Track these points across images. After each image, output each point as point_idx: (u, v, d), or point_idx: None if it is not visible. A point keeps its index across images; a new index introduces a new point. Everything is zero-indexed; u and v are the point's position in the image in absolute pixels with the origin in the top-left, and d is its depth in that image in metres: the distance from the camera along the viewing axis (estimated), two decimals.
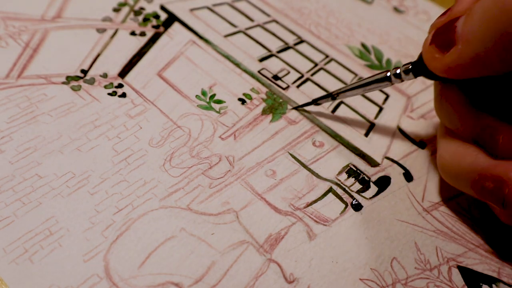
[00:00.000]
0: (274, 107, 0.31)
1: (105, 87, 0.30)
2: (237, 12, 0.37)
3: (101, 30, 0.33)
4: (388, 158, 0.29)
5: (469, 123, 0.24)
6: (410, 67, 0.25)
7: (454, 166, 0.24)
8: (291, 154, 0.28)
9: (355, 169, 0.28)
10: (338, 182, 0.27)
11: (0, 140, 0.26)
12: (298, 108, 0.31)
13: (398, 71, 0.26)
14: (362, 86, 0.28)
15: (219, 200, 0.25)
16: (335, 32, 0.38)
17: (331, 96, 0.29)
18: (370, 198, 0.27)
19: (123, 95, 0.30)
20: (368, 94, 0.33)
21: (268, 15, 0.38)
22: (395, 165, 0.29)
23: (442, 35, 0.23)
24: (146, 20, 0.35)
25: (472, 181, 0.23)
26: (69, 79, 0.30)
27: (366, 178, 0.28)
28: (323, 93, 0.32)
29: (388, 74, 0.26)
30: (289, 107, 0.31)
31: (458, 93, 0.24)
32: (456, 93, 0.24)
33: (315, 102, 0.30)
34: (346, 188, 0.27)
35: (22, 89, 0.29)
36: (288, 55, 0.35)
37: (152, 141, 0.27)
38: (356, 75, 0.34)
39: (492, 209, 0.25)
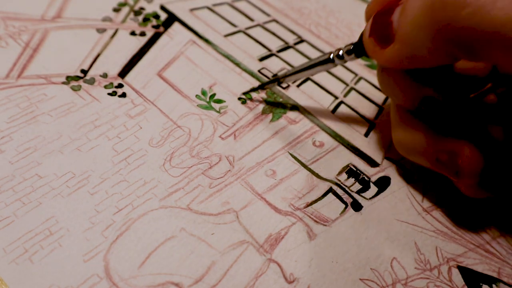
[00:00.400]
0: (274, 106, 0.31)
1: (105, 87, 0.30)
2: (237, 12, 0.37)
3: (101, 30, 0.33)
4: (388, 158, 0.29)
5: (410, 96, 0.24)
6: (352, 47, 0.26)
7: (409, 142, 0.25)
8: (291, 154, 0.28)
9: (355, 169, 0.28)
10: (338, 182, 0.27)
11: (0, 140, 0.26)
12: (246, 93, 0.31)
13: (340, 52, 0.26)
14: (306, 68, 0.28)
15: (219, 200, 0.25)
16: (335, 32, 0.38)
17: (277, 80, 0.30)
18: (370, 198, 0.27)
19: (123, 95, 0.30)
20: (368, 94, 0.33)
21: (268, 14, 0.38)
22: (395, 165, 0.29)
23: (380, 29, 0.23)
24: (146, 20, 0.35)
25: (427, 155, 0.24)
26: (69, 79, 0.30)
27: (366, 178, 0.28)
28: (323, 92, 0.32)
29: (331, 56, 0.27)
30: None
31: (398, 70, 0.25)
32: (396, 70, 0.25)
33: (262, 87, 0.31)
34: (346, 188, 0.27)
35: (22, 89, 0.29)
36: (288, 55, 0.35)
37: (152, 141, 0.27)
38: (356, 74, 0.34)
39: (454, 183, 0.26)
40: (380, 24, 0.23)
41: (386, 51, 0.23)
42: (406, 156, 0.27)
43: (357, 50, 0.25)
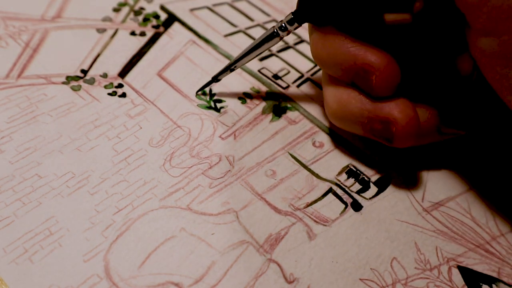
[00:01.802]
0: (274, 106, 0.31)
1: (105, 87, 0.30)
2: (237, 12, 0.37)
3: (101, 30, 0.33)
4: (388, 158, 0.29)
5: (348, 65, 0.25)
6: (292, 16, 0.26)
7: (342, 112, 0.26)
8: (291, 154, 0.28)
9: (355, 169, 0.28)
10: (338, 183, 0.27)
11: (0, 140, 0.26)
12: (200, 90, 0.30)
13: (282, 24, 0.26)
14: (254, 49, 0.28)
15: (219, 200, 0.25)
16: None
17: (229, 69, 0.29)
18: (370, 198, 0.27)
19: (123, 95, 0.30)
20: None
21: (268, 14, 0.38)
22: (395, 165, 0.29)
23: None
24: (146, 20, 0.35)
25: (361, 124, 0.25)
26: (69, 79, 0.30)
27: (366, 178, 0.28)
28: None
29: (275, 30, 0.27)
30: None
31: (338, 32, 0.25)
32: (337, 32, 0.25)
33: (216, 78, 0.30)
34: (346, 189, 0.27)
35: (22, 89, 0.29)
36: (288, 55, 0.35)
37: (152, 141, 0.27)
38: None
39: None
40: None
41: None
42: (339, 125, 0.27)
43: (298, 17, 0.26)
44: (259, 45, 0.28)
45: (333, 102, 0.26)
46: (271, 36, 0.27)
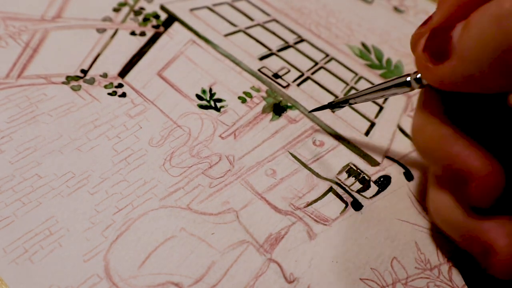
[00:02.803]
0: (275, 105, 0.31)
1: (105, 87, 0.30)
2: (237, 12, 0.37)
3: (101, 30, 0.33)
4: (388, 157, 0.29)
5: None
6: None
7: (443, 218, 0.23)
8: (291, 154, 0.28)
9: (355, 168, 0.28)
10: (338, 182, 0.27)
11: (0, 140, 0.26)
12: (313, 111, 0.30)
13: (418, 75, 0.23)
14: (379, 90, 0.25)
15: (219, 200, 0.25)
16: (335, 32, 0.37)
17: (348, 102, 0.27)
18: (370, 197, 0.27)
19: (123, 95, 0.30)
20: None
21: (268, 14, 0.38)
22: (396, 164, 0.29)
23: (436, 44, 0.21)
24: (146, 20, 0.35)
25: (461, 236, 0.22)
26: (69, 79, 0.30)
27: (366, 177, 0.28)
28: (323, 91, 0.32)
29: (408, 78, 0.23)
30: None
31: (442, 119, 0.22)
32: (441, 119, 0.22)
33: (331, 106, 0.28)
34: (346, 188, 0.27)
35: (22, 89, 0.29)
36: (288, 54, 0.35)
37: (152, 141, 0.27)
38: (356, 74, 0.34)
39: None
40: (437, 39, 0.20)
41: (439, 67, 0.20)
42: (441, 227, 0.23)
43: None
44: (386, 88, 0.24)
45: (429, 205, 0.23)
46: (402, 84, 0.23)
